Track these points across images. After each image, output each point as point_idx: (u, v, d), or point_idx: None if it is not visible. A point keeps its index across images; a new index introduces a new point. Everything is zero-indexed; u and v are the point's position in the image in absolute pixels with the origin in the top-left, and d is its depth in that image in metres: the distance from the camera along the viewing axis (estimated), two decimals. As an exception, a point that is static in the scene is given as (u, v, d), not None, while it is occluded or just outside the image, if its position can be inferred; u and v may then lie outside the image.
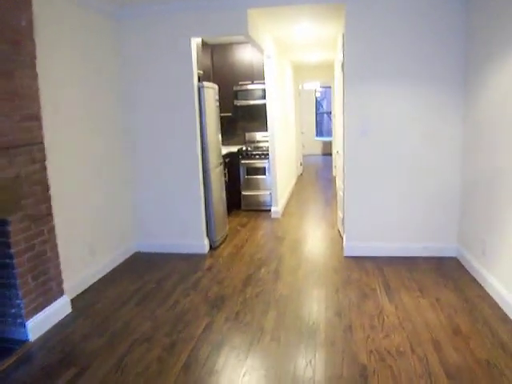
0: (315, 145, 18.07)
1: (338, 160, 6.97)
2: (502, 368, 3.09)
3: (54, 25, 4.40)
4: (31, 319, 3.80)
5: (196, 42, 5.69)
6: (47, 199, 4.00)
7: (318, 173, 13.74)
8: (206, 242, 5.97)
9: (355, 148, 5.32)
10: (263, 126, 8.33)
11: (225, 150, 7.63)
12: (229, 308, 4.27)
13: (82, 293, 4.76)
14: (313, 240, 6.50)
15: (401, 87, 5.11)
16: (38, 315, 3.88)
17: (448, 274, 4.83)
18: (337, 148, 7.02)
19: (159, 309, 4.31)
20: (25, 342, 3.75)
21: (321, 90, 18.96)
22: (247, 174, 8.30)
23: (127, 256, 5.85)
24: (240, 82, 8.32)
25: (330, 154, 13.60)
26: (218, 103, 6.42)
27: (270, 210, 7.96)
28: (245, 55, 8.19)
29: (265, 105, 7.74)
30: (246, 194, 8.36)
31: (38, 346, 3.72)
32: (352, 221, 5.52)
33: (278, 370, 3.25)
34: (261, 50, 6.91)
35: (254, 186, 8.30)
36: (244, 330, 3.83)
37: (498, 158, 4.14)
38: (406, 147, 5.22)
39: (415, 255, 5.34)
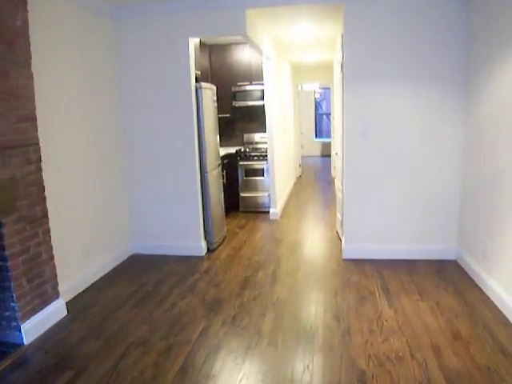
0: (314, 146, 18.06)
1: (337, 161, 6.93)
2: (503, 374, 3.04)
3: (52, 25, 4.37)
4: (26, 322, 3.76)
5: (194, 42, 5.66)
6: (42, 201, 3.95)
7: (317, 174, 13.72)
8: (204, 244, 5.93)
9: (354, 149, 5.29)
10: (262, 127, 8.29)
11: (223, 152, 7.62)
12: (226, 311, 4.23)
13: (78, 295, 4.72)
14: (311, 242, 6.46)
15: (401, 88, 5.08)
16: (33, 318, 3.83)
17: (448, 277, 4.79)
18: (336, 149, 7.00)
19: (156, 312, 4.27)
20: (20, 345, 3.71)
21: (320, 91, 18.95)
22: (245, 176, 8.27)
23: (124, 258, 5.81)
24: (238, 83, 8.29)
25: (329, 156, 13.56)
26: (215, 104, 6.38)
27: (268, 212, 7.93)
28: (243, 56, 8.16)
29: (263, 106, 7.72)
30: (245, 195, 8.32)
31: (33, 349, 3.67)
32: (351, 223, 5.49)
33: (275, 374, 3.21)
34: (259, 51, 6.87)
35: (252, 187, 8.27)
36: (241, 334, 3.79)
37: (498, 159, 4.10)
38: (406, 148, 5.19)
39: (415, 258, 5.31)
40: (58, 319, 4.15)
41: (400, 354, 3.35)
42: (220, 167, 6.63)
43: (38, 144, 3.87)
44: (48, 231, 4.03)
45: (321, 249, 6.11)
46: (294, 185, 11.38)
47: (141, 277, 5.16)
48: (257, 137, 8.99)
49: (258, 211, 8.24)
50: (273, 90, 7.65)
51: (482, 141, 4.52)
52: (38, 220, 3.90)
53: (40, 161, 3.90)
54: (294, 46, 8.59)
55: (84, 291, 4.82)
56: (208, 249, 6.04)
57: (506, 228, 3.95)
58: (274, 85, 7.85)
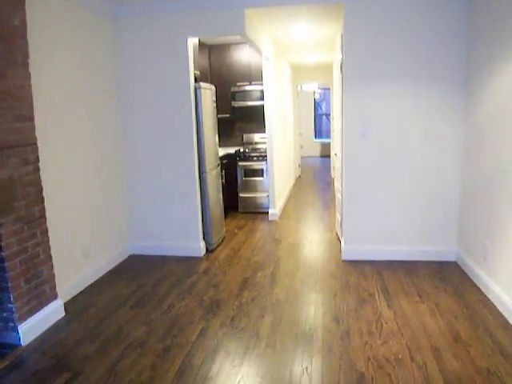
0: (314, 146, 18.04)
1: (336, 162, 6.91)
2: (503, 376, 3.02)
3: (51, 24, 4.36)
4: (23, 323, 3.74)
5: (193, 42, 5.64)
6: (40, 201, 3.94)
7: (317, 175, 13.70)
8: (202, 244, 5.91)
9: (354, 149, 5.27)
10: (261, 128, 8.25)
11: (222, 152, 7.60)
12: (224, 312, 4.20)
13: (76, 296, 4.70)
14: (310, 243, 6.43)
15: (401, 88, 5.06)
16: (30, 319, 3.82)
17: (448, 278, 4.77)
18: (335, 150, 6.98)
19: (154, 313, 4.25)
20: (17, 346, 3.69)
21: (320, 91, 18.94)
22: (245, 176, 8.25)
23: (123, 258, 5.79)
24: (238, 83, 8.27)
25: (329, 156, 13.56)
26: (215, 104, 6.37)
27: (267, 213, 7.90)
28: (243, 56, 8.14)
29: (263, 106, 7.69)
30: (244, 196, 8.30)
31: (30, 350, 3.65)
32: (350, 224, 5.47)
33: (273, 376, 3.19)
34: (259, 51, 6.85)
35: (251, 188, 8.25)
36: (239, 336, 3.76)
37: (499, 160, 4.09)
38: (406, 149, 5.17)
39: (414, 259, 5.29)
40: (56, 320, 4.13)
41: (399, 356, 3.33)
42: (219, 167, 6.61)
43: (35, 144, 3.85)
44: (46, 232, 4.01)
45: (320, 250, 6.08)
46: (294, 185, 11.37)
47: (139, 277, 5.14)
48: (256, 137, 8.97)
49: (257, 212, 8.22)
50: (272, 91, 7.63)
51: (482, 141, 4.50)
52: (36, 220, 3.88)
53: (38, 161, 3.88)
54: (293, 46, 8.58)
55: (82, 292, 4.80)
56: (207, 249, 6.01)
57: (506, 229, 3.93)
58: (274, 85, 7.83)
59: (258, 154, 8.20)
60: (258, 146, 8.75)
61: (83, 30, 4.91)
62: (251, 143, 8.99)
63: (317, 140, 18.62)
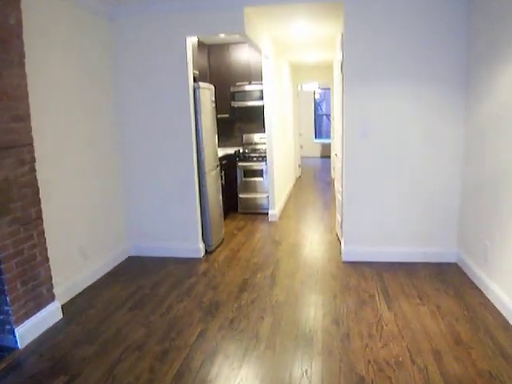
0: (314, 147, 18.02)
1: (336, 162, 6.89)
2: (505, 379, 2.99)
3: (48, 24, 4.33)
4: (20, 326, 3.72)
5: (192, 41, 5.61)
6: (37, 202, 3.91)
7: (317, 175, 13.68)
8: (202, 245, 5.88)
9: (354, 150, 5.24)
10: (261, 128, 8.23)
11: (221, 152, 7.57)
12: (223, 314, 4.17)
13: (74, 298, 4.67)
14: (310, 244, 6.40)
15: (401, 88, 5.03)
16: (27, 321, 3.79)
17: (448, 280, 4.74)
18: (336, 150, 6.96)
19: (152, 315, 4.22)
20: (14, 349, 3.67)
21: (320, 91, 18.92)
22: (244, 177, 8.21)
23: (121, 260, 5.76)
24: (237, 83, 8.23)
25: (329, 157, 13.54)
26: (214, 104, 6.34)
27: (267, 214, 7.88)
28: (242, 55, 8.12)
29: (262, 106, 7.66)
30: (243, 196, 8.27)
31: (27, 353, 3.63)
32: (350, 225, 5.44)
33: (273, 379, 3.16)
34: (258, 50, 6.83)
35: (251, 188, 8.21)
36: (239, 338, 3.73)
37: (499, 160, 4.05)
38: (406, 149, 5.14)
39: (415, 260, 5.26)
40: (54, 322, 4.11)
41: (400, 359, 3.30)
42: (218, 168, 6.59)
43: (31, 144, 3.82)
44: (43, 233, 3.98)
45: (320, 251, 6.05)
46: (294, 186, 11.35)
47: (138, 279, 5.12)
48: (256, 137, 8.93)
49: (257, 213, 8.19)
50: (272, 90, 7.60)
51: (483, 141, 4.47)
52: (33, 222, 3.85)
53: (34, 162, 3.85)
54: (293, 45, 8.56)
55: (80, 294, 4.78)
56: (206, 251, 5.98)
57: (507, 230, 3.90)
58: (274, 85, 7.81)
59: (257, 155, 8.18)
60: (258, 147, 8.72)
61: (80, 30, 4.88)
62: (251, 143, 8.95)
63: (317, 140, 18.60)
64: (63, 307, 4.32)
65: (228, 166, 7.92)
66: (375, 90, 5.07)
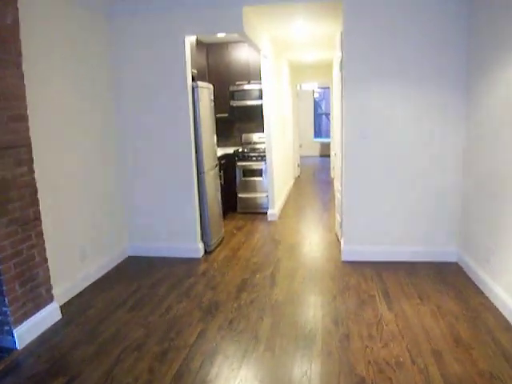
0: (313, 146, 18.00)
1: (336, 162, 6.87)
2: (506, 380, 2.97)
3: (45, 22, 4.30)
4: (19, 326, 3.70)
5: (190, 40, 5.59)
6: (35, 203, 3.89)
7: (316, 175, 13.66)
8: (201, 245, 5.87)
9: (354, 149, 5.22)
10: (260, 127, 8.20)
11: (221, 152, 7.57)
12: (223, 315, 4.16)
13: (73, 298, 4.66)
14: (310, 244, 6.38)
15: (401, 87, 5.01)
16: (26, 322, 3.78)
17: (449, 280, 4.72)
18: (335, 149, 6.95)
19: (151, 316, 4.20)
20: (12, 349, 3.66)
21: (319, 90, 18.91)
22: (243, 176, 8.20)
23: (120, 260, 5.74)
24: (236, 82, 8.21)
25: (328, 156, 13.53)
26: (213, 103, 6.32)
27: (266, 213, 7.86)
28: (241, 54, 8.10)
29: (262, 105, 7.64)
30: (242, 196, 8.25)
31: (25, 354, 3.62)
32: (350, 224, 5.42)
33: (272, 380, 3.15)
34: (257, 49, 6.81)
35: (250, 188, 8.20)
36: (238, 339, 3.72)
37: (501, 160, 4.02)
38: (406, 148, 5.12)
39: (415, 260, 5.24)
40: (52, 323, 4.09)
41: (400, 359, 3.28)
42: (217, 168, 6.56)
43: (29, 145, 3.80)
44: (41, 234, 3.97)
45: (320, 250, 6.03)
46: (293, 185, 11.33)
47: (137, 279, 5.10)
48: (255, 137, 8.91)
49: (256, 212, 8.17)
50: (271, 90, 7.58)
51: (485, 141, 4.45)
52: (31, 222, 3.83)
53: (32, 162, 3.84)
54: (292, 44, 8.55)
55: (79, 294, 4.76)
56: (205, 250, 5.97)
57: (508, 229, 3.88)
58: (273, 84, 7.79)
59: (256, 154, 8.16)
60: (257, 146, 8.69)
61: (78, 29, 4.86)
62: (250, 143, 8.93)
63: (316, 139, 18.58)
64: (62, 308, 4.30)
65: (227, 165, 7.90)
66: (375, 89, 5.05)
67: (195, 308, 4.33)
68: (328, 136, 14.93)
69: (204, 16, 5.26)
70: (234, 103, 8.34)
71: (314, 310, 4.24)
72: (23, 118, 3.73)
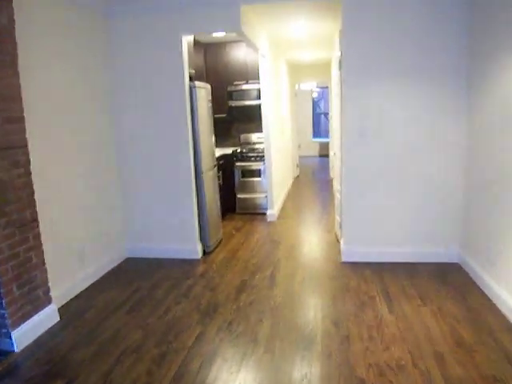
0: (312, 146, 17.98)
1: (335, 162, 6.85)
2: (509, 383, 2.94)
3: (41, 23, 4.28)
4: (17, 329, 3.69)
5: (187, 40, 5.56)
6: (32, 204, 3.86)
7: (315, 175, 13.66)
8: (200, 246, 5.83)
9: (353, 149, 5.19)
10: (259, 127, 8.19)
11: (219, 152, 7.54)
12: (222, 317, 4.13)
13: (71, 300, 4.63)
14: (309, 245, 6.36)
15: (401, 85, 4.97)
16: (24, 325, 3.76)
17: (450, 281, 4.69)
18: (334, 149, 6.93)
19: (150, 318, 4.17)
20: (11, 352, 3.64)
21: (318, 90, 18.88)
22: (242, 177, 8.17)
23: (118, 262, 5.71)
24: (235, 82, 8.19)
25: (327, 156, 13.51)
26: (210, 103, 6.29)
27: (265, 214, 7.84)
28: (239, 54, 8.08)
29: (260, 105, 7.60)
30: (241, 196, 8.22)
31: (23, 356, 3.60)
32: (350, 225, 5.39)
33: (271, 383, 3.12)
34: (255, 49, 6.79)
35: (249, 188, 8.17)
36: (237, 341, 3.69)
37: (504, 160, 3.99)
38: (407, 148, 5.08)
39: (415, 261, 5.20)
40: (50, 325, 4.08)
41: (402, 362, 3.25)
42: (216, 168, 6.53)
43: (26, 146, 3.77)
44: (39, 236, 3.95)
45: (319, 251, 6.00)
46: (292, 186, 11.31)
47: (135, 281, 5.08)
48: (254, 137, 8.89)
49: (255, 213, 8.15)
50: (269, 89, 7.55)
51: (486, 140, 4.42)
52: (28, 224, 3.81)
53: (29, 163, 3.81)
54: (290, 44, 8.54)
55: (77, 296, 4.74)
56: (204, 252, 5.94)
57: (511, 230, 3.85)
58: (271, 84, 7.76)
59: (255, 155, 8.13)
60: (256, 146, 8.67)
61: (75, 29, 4.83)
62: (248, 143, 8.91)
63: (315, 139, 18.55)
64: (60, 310, 4.29)
65: (226, 166, 7.87)
66: (374, 88, 5.02)
67: (194, 310, 4.31)
68: (327, 136, 14.92)
69: (201, 15, 5.22)
70: (233, 103, 8.32)
71: (313, 311, 4.21)
72: (19, 120, 3.70)
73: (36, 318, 3.91)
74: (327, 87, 13.82)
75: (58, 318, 4.19)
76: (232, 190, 8.18)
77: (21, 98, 3.71)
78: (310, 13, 5.97)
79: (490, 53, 4.23)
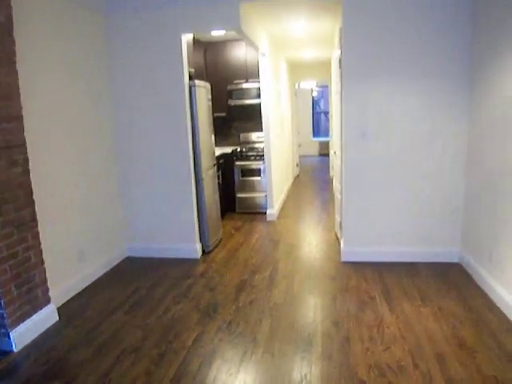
0: (312, 145, 17.97)
1: (335, 161, 6.83)
2: (511, 384, 2.93)
3: (39, 20, 4.25)
4: (15, 329, 3.67)
5: (187, 38, 5.54)
6: (31, 204, 3.84)
7: (315, 174, 13.63)
8: (199, 246, 5.82)
9: (353, 149, 5.16)
10: (258, 127, 8.17)
11: (219, 151, 7.52)
12: (221, 317, 4.11)
13: (71, 300, 4.62)
14: (309, 244, 6.33)
15: (402, 84, 4.94)
16: (22, 324, 3.75)
17: (451, 281, 4.67)
18: (334, 148, 6.91)
19: (149, 318, 4.15)
20: (9, 352, 3.63)
21: (318, 89, 18.88)
22: (242, 176, 8.14)
23: (118, 261, 5.69)
24: (234, 81, 8.16)
25: (327, 155, 13.49)
26: (210, 102, 6.26)
27: (265, 213, 7.83)
28: (239, 53, 8.04)
29: (260, 104, 7.59)
30: (241, 196, 8.20)
31: (22, 356, 3.58)
32: (350, 224, 5.37)
33: (271, 384, 3.10)
34: (255, 48, 6.76)
35: (248, 187, 8.15)
36: (236, 342, 3.67)
37: (506, 159, 3.96)
38: (407, 147, 5.06)
39: (416, 261, 5.19)
40: (49, 325, 4.07)
41: (402, 363, 3.23)
42: (215, 167, 6.51)
43: (24, 145, 3.75)
44: (37, 235, 3.92)
45: (319, 251, 5.97)
46: (292, 185, 11.29)
47: (135, 280, 5.06)
48: (253, 136, 8.87)
49: (255, 212, 8.12)
50: (269, 88, 7.53)
51: (488, 140, 4.39)
52: (27, 224, 3.79)
53: (27, 163, 3.79)
54: (290, 42, 8.51)
55: (77, 296, 4.72)
56: (203, 251, 5.92)
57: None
58: (271, 82, 7.74)
59: (255, 154, 8.11)
60: (256, 146, 8.66)
61: (74, 27, 4.81)
62: (248, 142, 8.89)
63: (315, 139, 18.54)
64: (59, 310, 4.28)
65: (225, 165, 7.87)
66: (375, 87, 4.99)
67: (193, 310, 4.29)
68: (326, 135, 14.90)
69: (201, 13, 5.20)
70: (232, 102, 8.29)
71: (313, 311, 4.18)
72: (17, 118, 3.67)
73: (35, 317, 3.89)
74: (327, 86, 13.82)
75: (57, 318, 4.17)
76: (232, 190, 8.16)
77: (19, 97, 3.68)
78: (309, 11, 5.94)
79: (494, 51, 4.20)
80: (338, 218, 6.16)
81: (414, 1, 4.75)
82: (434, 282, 4.66)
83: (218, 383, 3.12)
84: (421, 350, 3.38)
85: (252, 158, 8.10)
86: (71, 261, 4.73)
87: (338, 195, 6.09)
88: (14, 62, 3.62)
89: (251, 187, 8.13)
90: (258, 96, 7.79)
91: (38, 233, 3.92)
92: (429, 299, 4.26)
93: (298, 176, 12.80)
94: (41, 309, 3.98)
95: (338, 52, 5.34)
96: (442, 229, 5.15)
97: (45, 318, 4.01)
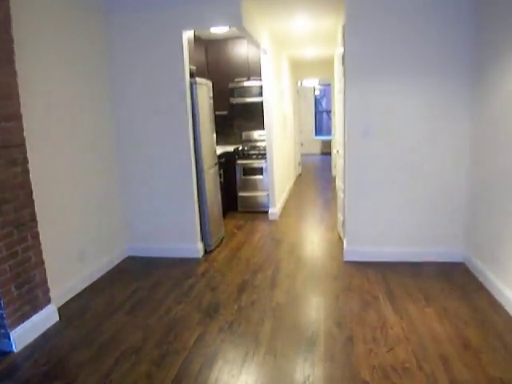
0: (314, 144, 17.97)
1: (338, 160, 6.80)
2: (517, 386, 2.89)
3: (38, 18, 4.22)
4: (16, 329, 3.65)
5: (188, 35, 5.50)
6: (30, 204, 3.81)
7: (318, 173, 13.61)
8: (201, 245, 5.79)
9: (356, 147, 5.13)
10: (260, 125, 8.13)
11: (220, 150, 7.49)
12: (223, 317, 4.08)
13: (71, 300, 4.60)
14: (311, 243, 6.30)
15: (405, 82, 4.91)
16: (22, 325, 3.72)
17: (455, 280, 4.63)
18: (337, 147, 6.88)
19: (150, 318, 4.13)
20: (9, 352, 3.61)
21: (320, 88, 18.86)
22: (244, 175, 8.11)
23: (118, 261, 5.67)
24: (236, 79, 8.13)
25: (329, 154, 13.46)
26: (211, 100, 6.23)
27: (267, 212, 7.80)
28: (240, 50, 8.01)
29: (262, 102, 7.55)
30: (243, 195, 8.17)
31: (22, 357, 3.56)
32: (353, 224, 5.34)
33: (274, 385, 3.07)
34: (256, 45, 6.72)
35: (250, 186, 8.12)
36: (238, 342, 3.64)
37: (509, 157, 3.93)
38: (411, 146, 5.02)
39: (420, 260, 5.15)
40: (49, 325, 4.04)
41: (406, 364, 3.19)
42: (217, 166, 6.48)
43: (23, 145, 3.72)
44: (37, 235, 3.90)
45: (321, 250, 5.95)
46: (294, 184, 11.27)
47: (136, 280, 5.03)
48: (255, 135, 8.84)
49: (257, 211, 8.09)
50: (271, 86, 7.51)
51: (491, 139, 4.36)
52: (27, 224, 3.76)
53: (27, 162, 3.76)
54: (292, 39, 8.47)
55: (77, 296, 4.70)
56: (205, 251, 5.90)
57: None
58: (273, 81, 7.72)
59: (257, 152, 8.08)
60: (258, 144, 8.63)
61: (73, 27, 4.78)
62: (250, 141, 8.86)
63: (317, 137, 18.52)
64: (60, 310, 4.25)
65: (227, 163, 7.84)
66: (378, 85, 4.95)
67: (195, 310, 4.26)
68: (329, 134, 14.88)
69: (202, 10, 5.16)
70: (234, 100, 8.26)
71: (316, 311, 4.16)
72: (16, 117, 3.64)
73: (35, 318, 3.87)
74: (329, 85, 13.81)
75: (58, 318, 4.15)
76: (233, 188, 8.13)
77: (18, 96, 3.65)
78: (312, 8, 5.92)
79: (497, 49, 4.15)
80: (340, 217, 6.13)
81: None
82: (437, 281, 4.62)
83: (220, 384, 3.10)
84: (425, 351, 3.34)
85: (254, 156, 8.06)
86: (71, 261, 4.70)
87: (340, 194, 6.06)
88: (13, 61, 3.59)
89: (253, 186, 8.10)
90: (260, 94, 7.74)
91: (37, 233, 3.89)
92: (433, 299, 4.22)
93: (300, 175, 12.78)
94: (41, 309, 3.95)
95: (341, 49, 5.31)
96: (445, 228, 5.12)
97: (45, 318, 3.99)
